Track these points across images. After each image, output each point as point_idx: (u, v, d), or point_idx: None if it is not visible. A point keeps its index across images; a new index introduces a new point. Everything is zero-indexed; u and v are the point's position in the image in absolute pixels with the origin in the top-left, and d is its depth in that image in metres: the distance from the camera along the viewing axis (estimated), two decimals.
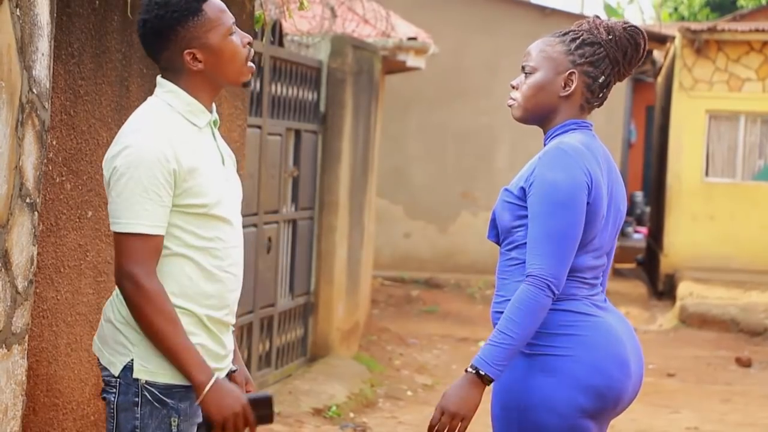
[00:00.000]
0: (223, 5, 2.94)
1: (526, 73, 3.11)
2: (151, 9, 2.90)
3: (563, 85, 3.07)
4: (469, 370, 2.91)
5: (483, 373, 2.90)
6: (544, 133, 3.14)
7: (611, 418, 3.08)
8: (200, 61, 2.91)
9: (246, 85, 3.03)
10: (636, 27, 3.12)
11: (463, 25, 15.74)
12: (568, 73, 3.06)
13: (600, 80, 3.07)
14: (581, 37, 3.07)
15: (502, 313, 3.01)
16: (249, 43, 2.96)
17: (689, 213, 15.54)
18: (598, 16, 3.14)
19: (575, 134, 3.05)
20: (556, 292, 2.93)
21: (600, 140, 3.13)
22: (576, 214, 2.93)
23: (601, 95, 3.11)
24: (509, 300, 2.98)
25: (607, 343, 2.98)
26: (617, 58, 3.07)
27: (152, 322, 2.80)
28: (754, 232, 15.30)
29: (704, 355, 11.14)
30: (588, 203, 2.96)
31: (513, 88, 3.14)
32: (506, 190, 3.05)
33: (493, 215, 3.11)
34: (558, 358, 2.96)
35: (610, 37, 3.07)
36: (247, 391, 3.12)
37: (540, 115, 3.11)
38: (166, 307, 2.81)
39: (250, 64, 2.97)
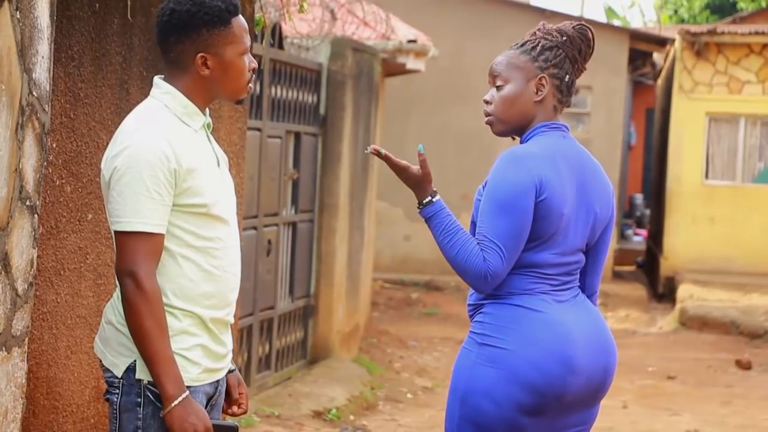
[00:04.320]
0: (247, 27, 3.01)
1: (497, 87, 3.29)
2: (185, 2, 2.92)
3: (536, 90, 3.24)
4: (423, 201, 3.22)
5: (422, 209, 3.24)
6: (520, 139, 3.29)
7: (566, 411, 3.13)
8: (208, 68, 2.95)
9: (239, 102, 3.10)
10: (583, 25, 3.32)
11: (462, 27, 15.74)
12: (538, 78, 3.23)
13: (566, 79, 3.25)
14: (540, 44, 3.26)
15: (474, 305, 3.21)
16: (253, 69, 3.02)
17: (689, 215, 15.55)
18: (545, 23, 3.33)
19: (542, 137, 3.22)
20: (493, 284, 3.10)
21: (574, 141, 3.27)
22: (518, 216, 3.08)
23: (569, 94, 3.28)
24: (481, 295, 3.18)
25: (547, 339, 3.08)
26: (575, 56, 3.26)
27: (143, 323, 2.81)
28: (754, 235, 15.30)
29: (704, 358, 11.14)
30: (541, 201, 3.09)
31: (486, 102, 3.32)
32: (480, 188, 3.24)
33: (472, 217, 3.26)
34: (501, 351, 3.10)
35: (565, 38, 3.26)
36: (239, 394, 3.17)
37: (520, 124, 3.28)
38: (160, 311, 2.83)
39: (250, 85, 3.04)
